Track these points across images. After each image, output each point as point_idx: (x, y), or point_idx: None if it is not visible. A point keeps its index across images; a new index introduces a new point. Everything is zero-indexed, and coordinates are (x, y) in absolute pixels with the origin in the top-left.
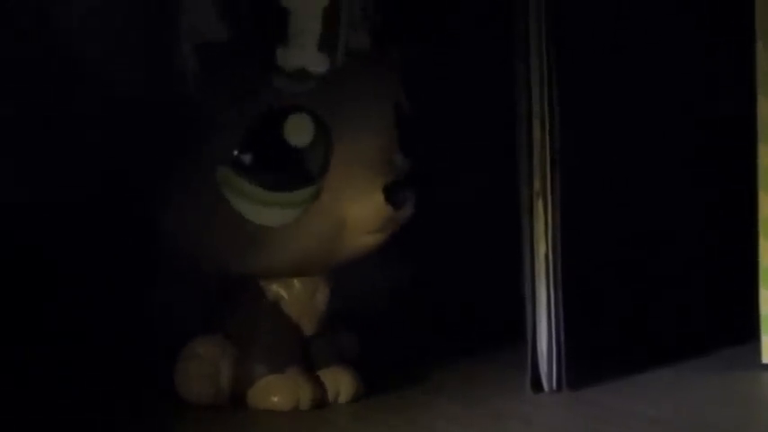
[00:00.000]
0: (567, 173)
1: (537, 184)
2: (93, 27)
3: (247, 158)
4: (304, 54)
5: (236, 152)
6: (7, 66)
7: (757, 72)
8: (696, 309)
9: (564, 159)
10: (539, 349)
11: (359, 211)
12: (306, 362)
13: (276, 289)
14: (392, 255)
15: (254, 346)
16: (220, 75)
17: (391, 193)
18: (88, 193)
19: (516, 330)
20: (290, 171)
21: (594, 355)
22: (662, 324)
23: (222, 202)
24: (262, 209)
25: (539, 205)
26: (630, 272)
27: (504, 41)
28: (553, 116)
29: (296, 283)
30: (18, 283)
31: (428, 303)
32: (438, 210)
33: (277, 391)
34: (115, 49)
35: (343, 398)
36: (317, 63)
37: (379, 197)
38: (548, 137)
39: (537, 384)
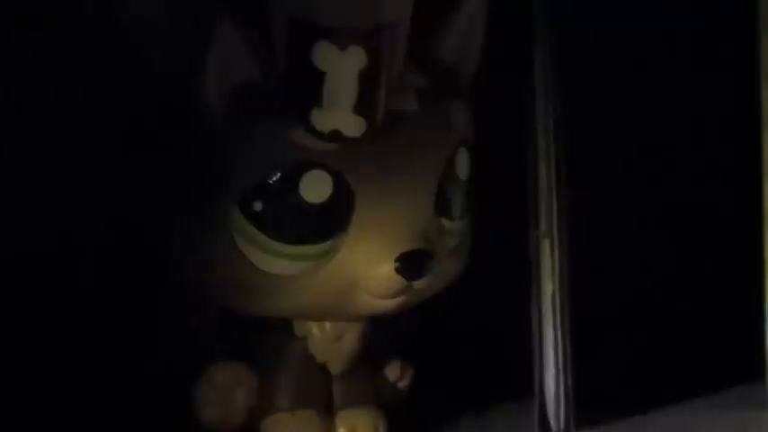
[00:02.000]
0: (573, 213)
1: (543, 225)
2: (116, 53)
3: (258, 206)
4: (339, 117)
5: (248, 197)
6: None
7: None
8: (704, 348)
9: (571, 199)
10: (546, 389)
11: (369, 276)
12: (326, 401)
13: (305, 326)
14: None
15: (273, 379)
16: (243, 115)
17: (404, 264)
18: (104, 215)
19: (524, 370)
20: (301, 226)
21: (602, 395)
22: (670, 364)
23: (231, 243)
24: (268, 256)
25: (545, 245)
26: (638, 311)
27: (512, 78)
28: (559, 156)
29: (325, 324)
30: (29, 303)
31: (436, 342)
32: None
33: (285, 430)
34: (141, 72)
35: None
36: (352, 126)
37: (389, 266)
38: (554, 177)
39: (544, 424)
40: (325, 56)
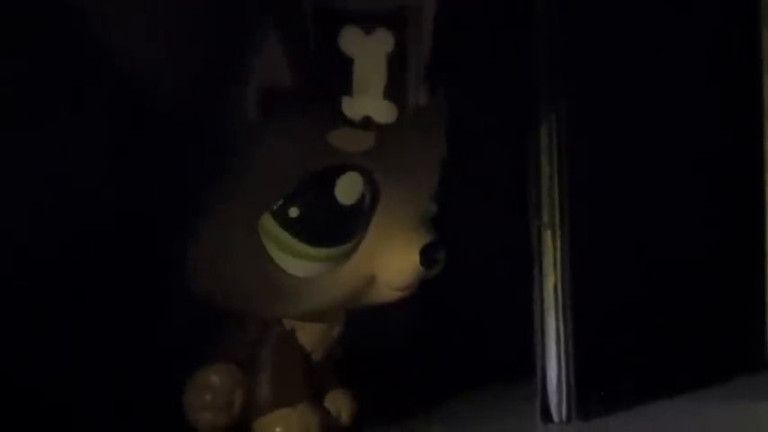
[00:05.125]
0: (576, 204)
1: (545, 216)
2: (155, 56)
3: (294, 212)
4: (369, 102)
5: (282, 204)
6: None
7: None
8: (707, 338)
9: (573, 190)
10: (548, 380)
11: (392, 269)
12: (313, 389)
13: (291, 320)
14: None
15: (264, 376)
16: (279, 124)
17: (426, 256)
18: (109, 221)
19: (527, 361)
20: (334, 228)
21: (604, 386)
22: (672, 354)
23: (258, 248)
24: (298, 261)
25: (547, 236)
26: (640, 301)
27: (513, 71)
28: (561, 148)
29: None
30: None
31: (439, 333)
32: (449, 243)
33: (287, 426)
34: (177, 78)
35: (344, 421)
36: (383, 112)
37: (414, 258)
38: (556, 168)
39: (546, 415)
40: (351, 40)
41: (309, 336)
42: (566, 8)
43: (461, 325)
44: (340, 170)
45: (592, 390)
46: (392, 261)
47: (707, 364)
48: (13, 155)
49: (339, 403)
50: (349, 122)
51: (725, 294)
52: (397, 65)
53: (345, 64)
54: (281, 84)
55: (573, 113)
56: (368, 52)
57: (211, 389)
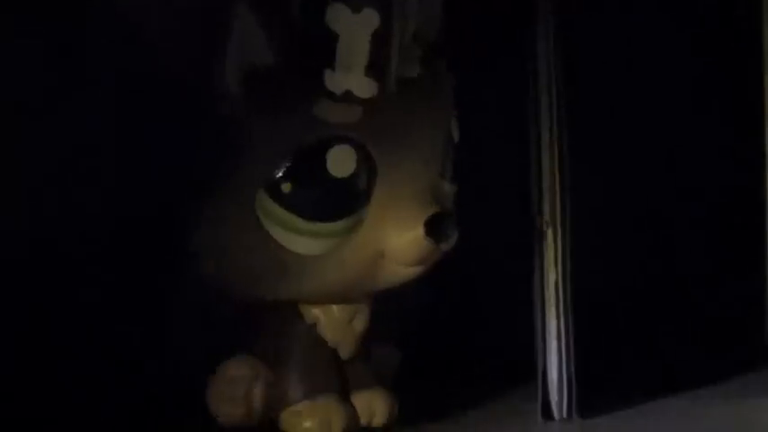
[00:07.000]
0: (577, 201)
1: (547, 213)
2: (135, 42)
3: (287, 187)
4: (351, 78)
5: (275, 180)
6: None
7: None
8: (708, 336)
9: (574, 187)
10: (549, 377)
11: (398, 243)
12: (341, 385)
13: (313, 312)
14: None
15: (288, 369)
16: (263, 99)
17: (432, 227)
18: (116, 208)
19: (528, 358)
20: (329, 202)
21: (605, 383)
22: (673, 352)
23: (257, 227)
24: (298, 237)
25: (549, 233)
26: (641, 299)
27: (516, 70)
28: (563, 144)
29: (334, 307)
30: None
31: (439, 330)
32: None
33: (309, 418)
34: (161, 62)
35: (377, 422)
36: (363, 87)
37: (420, 231)
38: (557, 165)
39: (547, 412)
40: (338, 17)
41: (332, 329)
42: (568, 6)
43: (462, 322)
44: (330, 143)
45: (592, 387)
46: (397, 235)
47: (707, 362)
48: (14, 144)
49: (373, 403)
50: (331, 96)
51: (725, 292)
52: (380, 43)
53: (330, 39)
54: (261, 57)
55: (574, 110)
56: (353, 30)
57: (230, 381)
